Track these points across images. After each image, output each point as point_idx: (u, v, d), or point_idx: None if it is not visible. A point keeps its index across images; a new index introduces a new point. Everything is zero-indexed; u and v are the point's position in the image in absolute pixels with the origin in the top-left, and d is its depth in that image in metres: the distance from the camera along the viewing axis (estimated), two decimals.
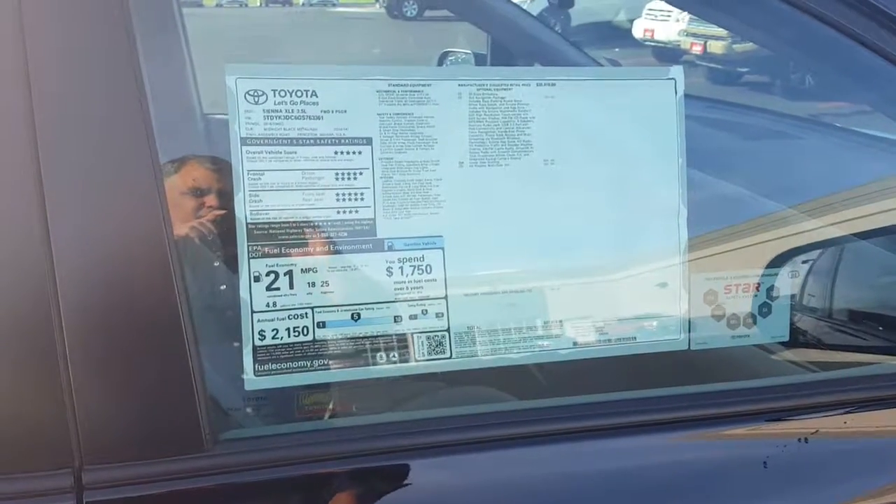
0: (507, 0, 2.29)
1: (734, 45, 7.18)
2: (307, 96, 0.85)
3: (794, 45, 1.10)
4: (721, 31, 7.43)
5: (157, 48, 1.57)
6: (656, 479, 0.90)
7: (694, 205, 1.01)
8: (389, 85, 0.88)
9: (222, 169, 1.22)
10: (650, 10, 8.34)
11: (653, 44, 8.26)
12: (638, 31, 8.41)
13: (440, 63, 2.55)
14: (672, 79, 0.96)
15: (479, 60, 2.35)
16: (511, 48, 2.08)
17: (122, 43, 0.75)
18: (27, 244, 0.73)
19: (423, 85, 0.88)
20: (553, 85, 0.92)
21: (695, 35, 7.76)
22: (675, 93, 0.96)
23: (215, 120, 2.00)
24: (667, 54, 8.10)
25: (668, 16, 8.26)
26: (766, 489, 0.91)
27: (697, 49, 7.70)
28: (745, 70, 7.19)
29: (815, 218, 1.24)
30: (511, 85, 0.91)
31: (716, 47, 7.38)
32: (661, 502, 0.90)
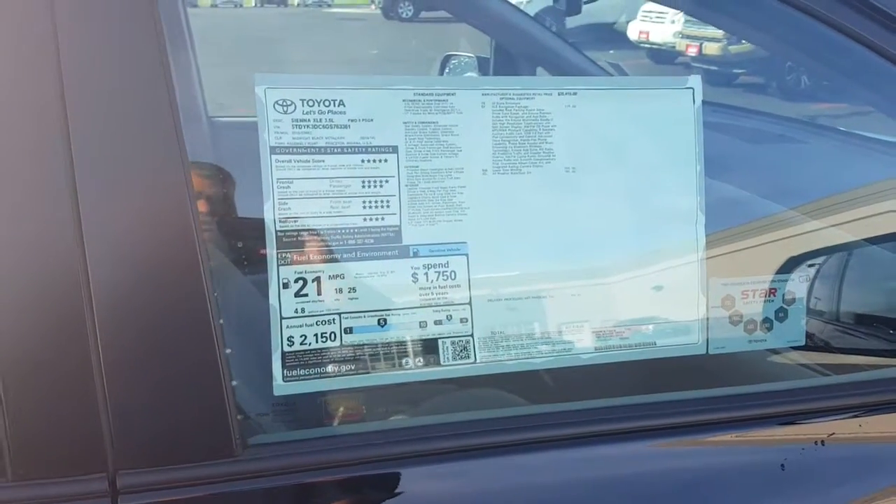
0: (504, 0, 2.31)
1: (729, 47, 7.22)
2: (335, 105, 0.87)
3: (792, 44, 1.12)
4: (716, 33, 7.47)
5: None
6: (673, 482, 0.92)
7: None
8: (415, 94, 0.89)
9: (224, 174, 1.23)
10: (645, 12, 8.38)
11: (648, 46, 8.29)
12: (633, 33, 8.43)
13: (443, 67, 2.56)
14: (690, 88, 0.98)
15: (482, 63, 2.37)
16: (511, 50, 2.10)
17: (152, 43, 0.76)
18: (62, 251, 0.74)
19: (448, 94, 0.90)
20: (574, 94, 0.94)
21: (690, 37, 7.79)
22: (694, 102, 0.98)
23: (220, 123, 2.00)
24: (662, 56, 8.13)
25: (663, 18, 8.29)
26: (784, 491, 0.93)
27: (693, 51, 7.74)
28: (740, 72, 7.22)
29: (819, 219, 1.26)
30: (533, 94, 0.93)
31: (711, 49, 7.41)
32: None
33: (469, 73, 2.40)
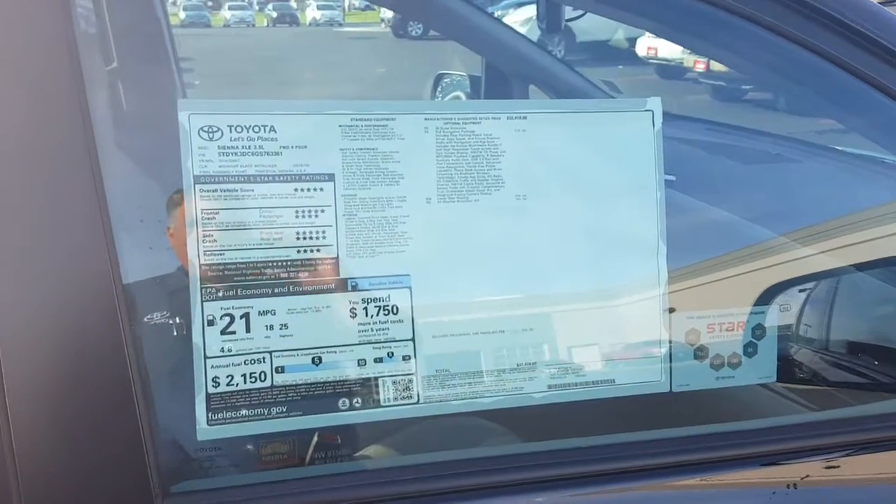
0: (498, 21, 2.27)
1: None
2: (265, 132, 0.82)
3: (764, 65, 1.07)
4: None
5: (147, 75, 1.55)
6: None
7: (683, 232, 0.97)
8: (352, 119, 0.85)
9: None
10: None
11: (656, 62, 8.24)
12: (641, 49, 8.39)
13: (436, 85, 2.52)
14: (649, 110, 0.93)
15: (474, 82, 2.33)
16: (504, 69, 2.06)
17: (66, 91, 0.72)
18: None
19: (388, 119, 0.85)
20: (524, 118, 0.89)
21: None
22: (653, 125, 0.93)
23: None
24: (670, 72, 8.08)
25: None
26: None
27: (701, 66, 7.67)
28: (749, 87, 7.16)
29: (807, 246, 1.20)
30: (480, 118, 0.88)
31: (719, 65, 7.35)
32: None
33: (458, 93, 2.36)
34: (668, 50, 8.19)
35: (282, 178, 0.83)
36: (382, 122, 0.85)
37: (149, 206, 0.85)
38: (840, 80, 0.94)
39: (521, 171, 0.89)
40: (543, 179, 0.90)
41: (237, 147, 0.81)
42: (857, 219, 1.22)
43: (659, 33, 1.23)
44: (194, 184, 0.80)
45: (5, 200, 0.71)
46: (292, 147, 0.83)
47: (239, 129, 0.81)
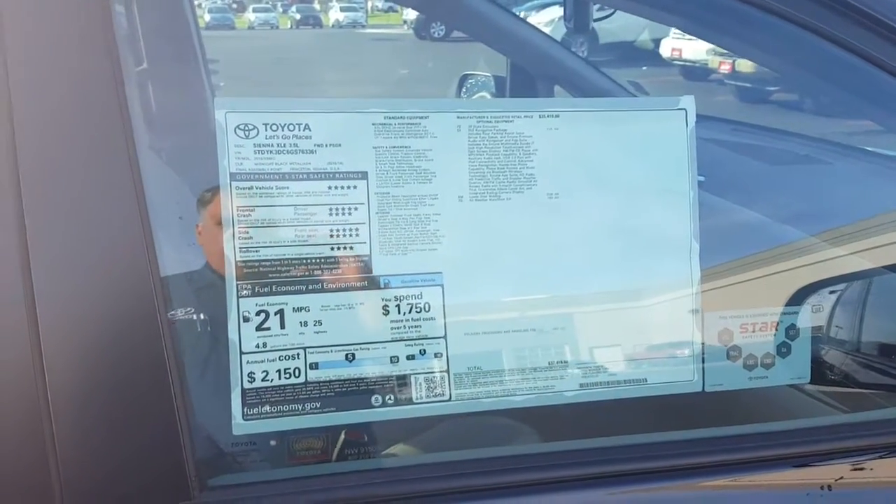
0: (524, 21, 2.27)
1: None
2: (300, 130, 0.83)
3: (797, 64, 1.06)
4: None
5: (177, 76, 1.57)
6: None
7: (713, 233, 0.97)
8: (385, 118, 0.85)
9: None
10: (676, 33, 8.28)
11: (681, 63, 8.18)
12: (665, 51, 8.34)
13: (460, 85, 2.52)
14: (682, 109, 0.92)
15: (499, 83, 2.33)
16: (530, 70, 2.06)
17: (109, 86, 0.73)
18: (10, 291, 0.71)
19: (421, 117, 0.86)
20: (557, 117, 0.89)
21: (723, 54, 7.66)
22: (686, 124, 0.92)
23: None
24: (695, 73, 8.01)
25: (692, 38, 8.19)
26: None
27: (726, 68, 7.61)
28: (774, 88, 7.08)
29: (837, 247, 1.18)
30: (513, 117, 0.88)
31: (745, 66, 7.27)
32: None
33: (483, 94, 2.36)
34: (693, 51, 8.13)
35: (316, 176, 0.83)
36: (415, 121, 0.86)
37: (186, 204, 0.86)
38: (876, 79, 0.93)
39: (554, 170, 0.89)
40: (576, 178, 0.90)
41: (272, 145, 0.82)
42: (887, 219, 1.21)
43: (690, 31, 1.22)
44: (230, 181, 0.81)
45: (52, 196, 0.72)
46: (326, 145, 0.84)
47: (274, 127, 0.82)
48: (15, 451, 0.73)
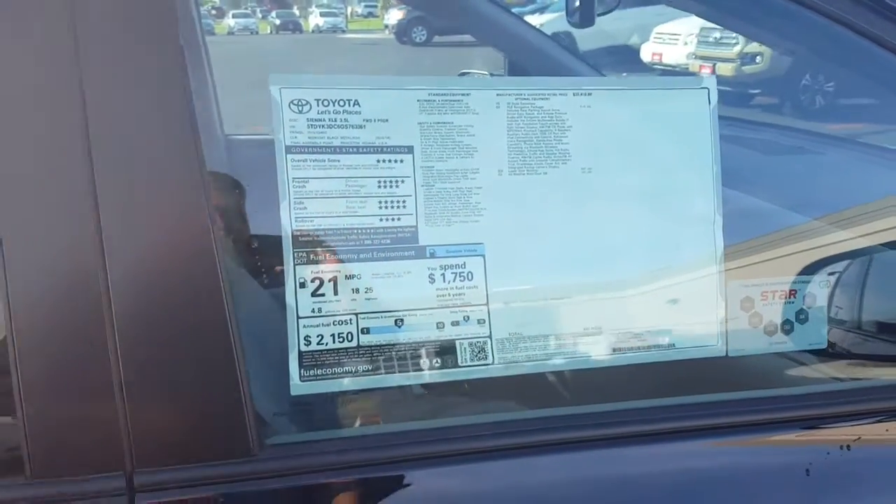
0: (520, 19, 2.32)
1: (743, 67, 7.23)
2: (350, 105, 0.87)
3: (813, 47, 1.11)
4: (730, 54, 7.48)
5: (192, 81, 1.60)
6: (695, 483, 0.90)
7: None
8: (429, 94, 0.89)
9: (238, 187, 1.25)
10: (658, 33, 8.41)
11: (661, 67, 8.31)
12: (646, 55, 8.46)
13: None
14: (705, 88, 0.98)
15: None
16: (525, 67, 2.11)
17: (173, 65, 0.77)
18: (83, 258, 0.74)
19: (463, 94, 0.90)
20: (589, 94, 0.94)
21: (703, 58, 7.80)
22: (709, 102, 0.98)
23: (236, 141, 2.03)
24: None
25: (676, 39, 8.31)
26: (808, 495, 0.91)
27: (706, 71, 7.73)
28: (755, 92, 7.22)
29: (840, 230, 1.24)
30: (548, 95, 0.93)
31: (725, 70, 7.42)
32: None
33: None
34: (673, 55, 8.27)
35: (365, 150, 0.87)
36: (457, 98, 0.90)
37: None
38: (885, 60, 0.98)
39: (587, 146, 0.94)
40: (607, 153, 0.95)
41: (324, 119, 0.86)
42: (881, 205, 1.27)
43: (705, 16, 1.27)
44: (286, 153, 0.85)
45: (144, 166, 0.76)
46: (374, 120, 0.88)
47: (326, 102, 0.86)
48: (89, 413, 0.76)
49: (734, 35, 7.26)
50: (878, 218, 1.21)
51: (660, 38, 8.40)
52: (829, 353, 1.08)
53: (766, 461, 0.94)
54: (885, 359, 1.18)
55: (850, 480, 0.94)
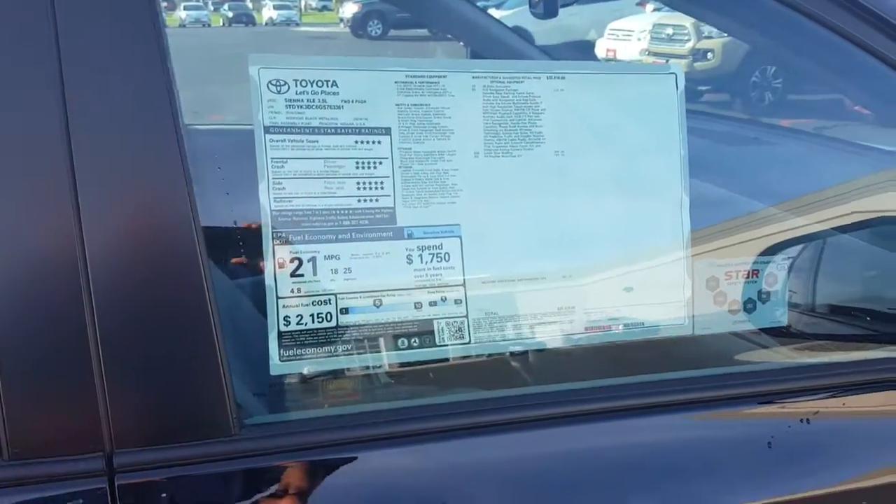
0: (482, 11, 2.34)
1: (695, 64, 7.37)
2: (328, 86, 0.87)
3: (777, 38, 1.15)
4: (682, 50, 7.63)
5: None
6: (662, 457, 0.93)
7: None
8: (407, 76, 0.90)
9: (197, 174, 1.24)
10: (612, 29, 8.53)
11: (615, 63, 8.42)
12: (600, 51, 8.58)
13: None
14: (673, 73, 1.01)
15: None
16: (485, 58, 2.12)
17: (152, 48, 0.76)
18: (60, 233, 0.74)
19: (440, 76, 0.91)
20: (562, 78, 0.96)
21: (656, 54, 7.94)
22: (677, 87, 1.01)
23: (193, 131, 2.01)
24: None
25: (630, 36, 8.45)
26: (771, 466, 0.95)
27: None
28: (705, 88, 7.37)
29: (800, 216, 1.29)
30: (523, 78, 0.94)
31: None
32: (669, 480, 0.92)
33: None
34: (627, 51, 8.40)
35: (343, 131, 0.88)
36: (434, 80, 0.91)
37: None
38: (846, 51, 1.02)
39: (560, 128, 0.96)
40: (579, 136, 0.97)
41: (302, 100, 0.86)
42: (841, 190, 1.32)
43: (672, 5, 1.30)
44: (265, 133, 0.85)
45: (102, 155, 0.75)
46: (352, 101, 0.88)
47: (304, 83, 0.86)
48: (66, 390, 0.75)
49: (686, 31, 7.40)
50: (832, 205, 1.26)
51: (613, 34, 8.53)
52: (788, 333, 1.13)
53: (731, 434, 0.98)
54: (838, 338, 1.23)
55: (811, 451, 0.97)
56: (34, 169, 0.74)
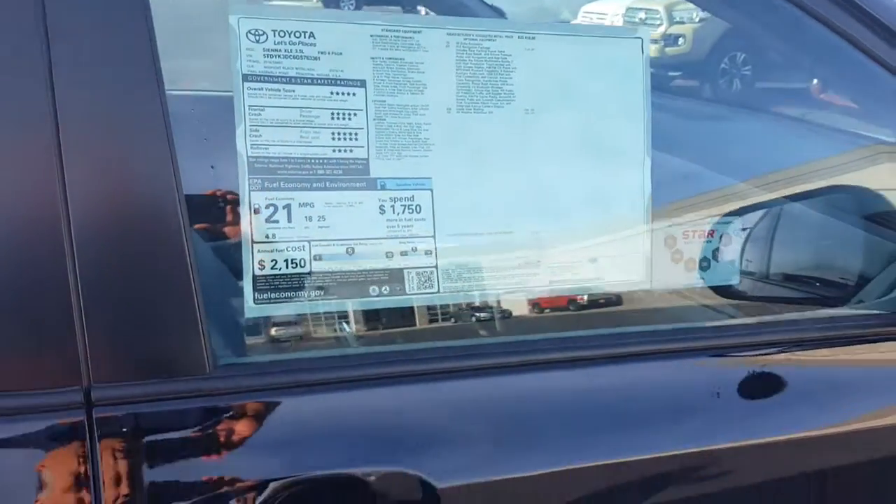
0: None
1: (666, 49, 7.44)
2: (305, 37, 0.89)
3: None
4: (653, 35, 7.68)
5: None
6: (622, 406, 0.97)
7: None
8: (383, 30, 0.92)
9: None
10: (586, 12, 8.55)
11: None
12: None
13: None
14: (639, 38, 1.04)
15: None
16: None
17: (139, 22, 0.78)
18: (42, 181, 0.76)
19: (415, 32, 0.93)
20: (533, 38, 0.99)
21: None
22: (642, 51, 1.04)
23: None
24: None
25: (603, 18, 8.47)
26: (721, 413, 1.00)
27: None
28: (675, 74, 7.45)
29: (763, 191, 1.34)
30: (495, 36, 0.97)
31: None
32: (623, 427, 0.96)
33: None
34: None
35: (319, 82, 0.90)
36: (409, 35, 0.93)
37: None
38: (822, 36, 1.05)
39: (530, 87, 0.99)
40: (548, 95, 1.00)
41: (280, 50, 0.88)
42: (803, 170, 1.37)
43: None
44: (242, 81, 0.87)
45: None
46: (329, 53, 0.90)
47: (282, 33, 0.88)
48: (48, 329, 0.77)
49: (658, 16, 7.45)
50: (794, 184, 1.31)
51: (587, 17, 8.55)
52: (739, 293, 1.18)
53: (684, 384, 1.02)
54: (787, 300, 1.29)
55: (757, 400, 1.03)
56: (19, 124, 0.75)
